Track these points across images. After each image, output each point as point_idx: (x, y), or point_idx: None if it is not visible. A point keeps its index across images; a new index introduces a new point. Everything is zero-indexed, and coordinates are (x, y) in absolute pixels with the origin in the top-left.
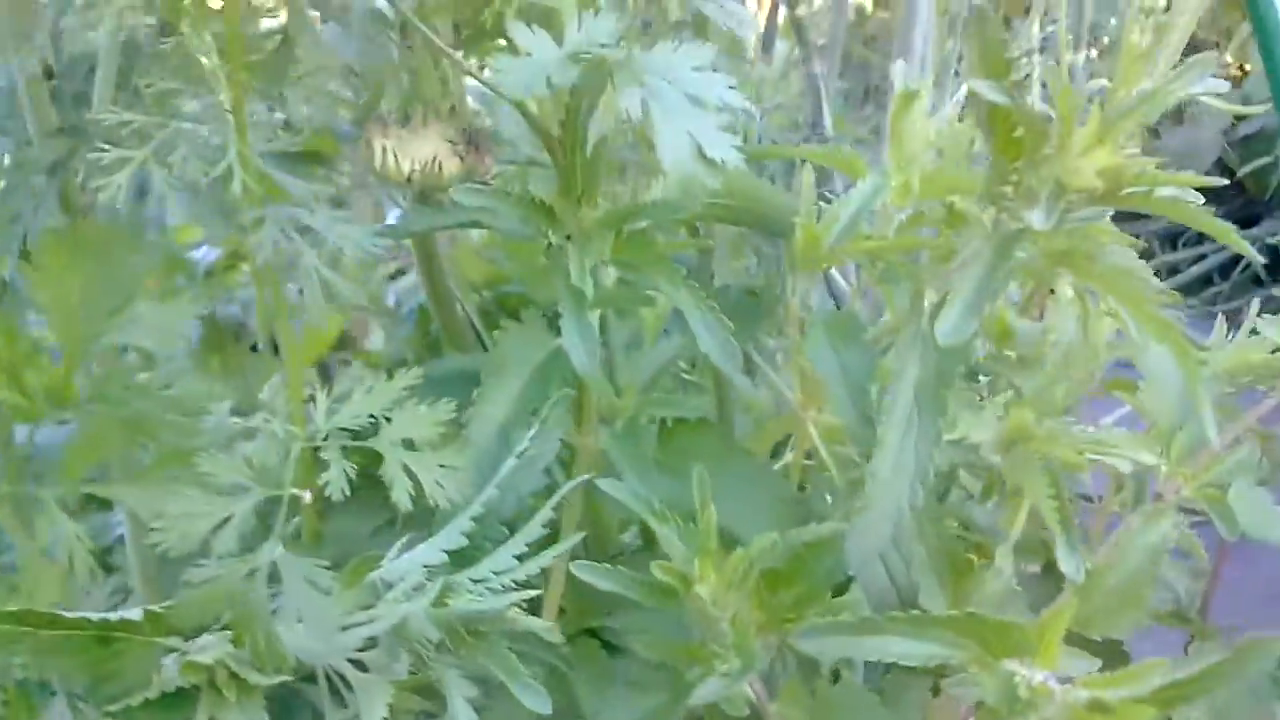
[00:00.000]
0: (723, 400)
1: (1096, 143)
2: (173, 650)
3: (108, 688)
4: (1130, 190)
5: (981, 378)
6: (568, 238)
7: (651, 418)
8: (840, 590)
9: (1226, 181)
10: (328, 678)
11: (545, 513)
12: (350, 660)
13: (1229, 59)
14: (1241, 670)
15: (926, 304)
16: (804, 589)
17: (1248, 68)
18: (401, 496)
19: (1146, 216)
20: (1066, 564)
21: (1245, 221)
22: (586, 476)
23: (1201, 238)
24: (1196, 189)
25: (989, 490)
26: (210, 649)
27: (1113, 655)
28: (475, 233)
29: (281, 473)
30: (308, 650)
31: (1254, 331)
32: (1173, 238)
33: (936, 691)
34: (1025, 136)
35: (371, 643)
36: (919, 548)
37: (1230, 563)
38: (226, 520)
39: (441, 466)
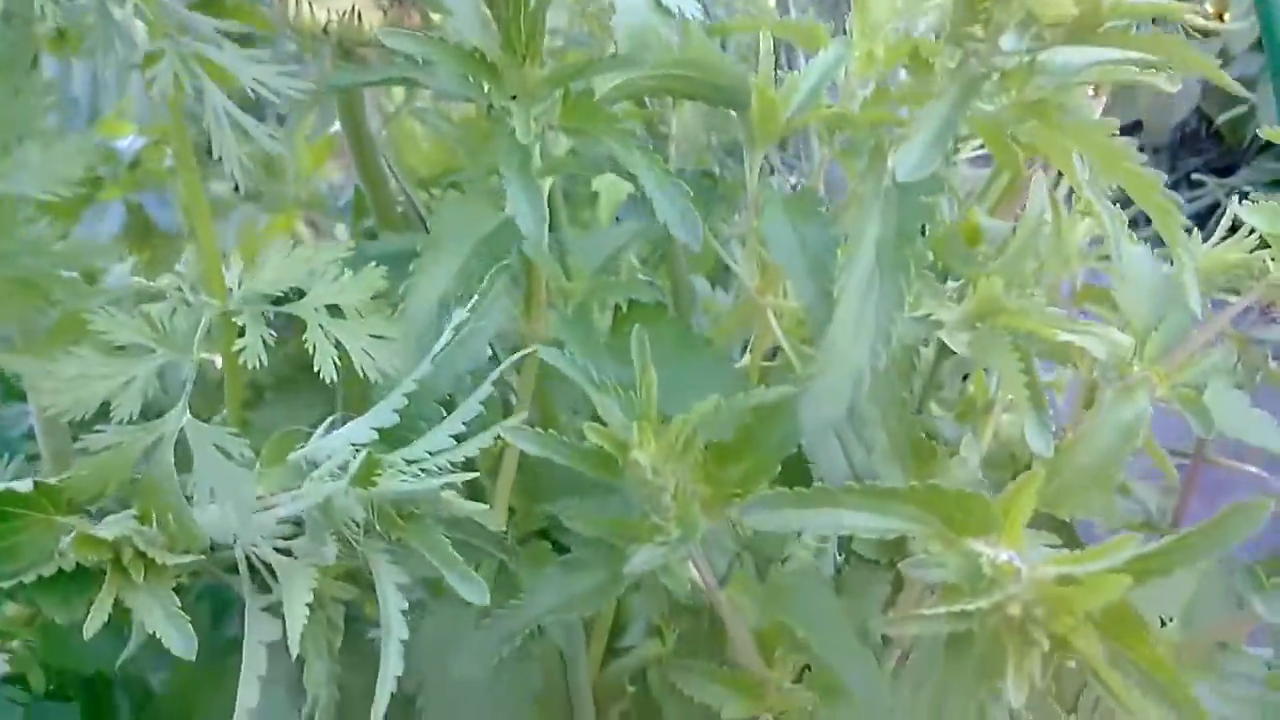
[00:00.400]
0: (679, 293)
1: None
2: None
3: (3, 568)
4: (1109, 25)
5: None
6: (512, 97)
7: (604, 303)
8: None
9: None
10: (250, 566)
11: (484, 389)
12: (276, 549)
13: (1209, 8)
14: (1223, 538)
15: (889, 162)
16: (752, 463)
17: (1226, 17)
18: (326, 366)
19: None
20: (1036, 440)
21: (1222, 170)
22: (529, 349)
23: (1175, 185)
24: None
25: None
26: (114, 526)
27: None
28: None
29: (190, 338)
30: (222, 529)
31: (1231, 232)
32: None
33: (897, 589)
34: None
35: (297, 528)
36: (880, 434)
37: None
38: (128, 384)
39: (372, 337)
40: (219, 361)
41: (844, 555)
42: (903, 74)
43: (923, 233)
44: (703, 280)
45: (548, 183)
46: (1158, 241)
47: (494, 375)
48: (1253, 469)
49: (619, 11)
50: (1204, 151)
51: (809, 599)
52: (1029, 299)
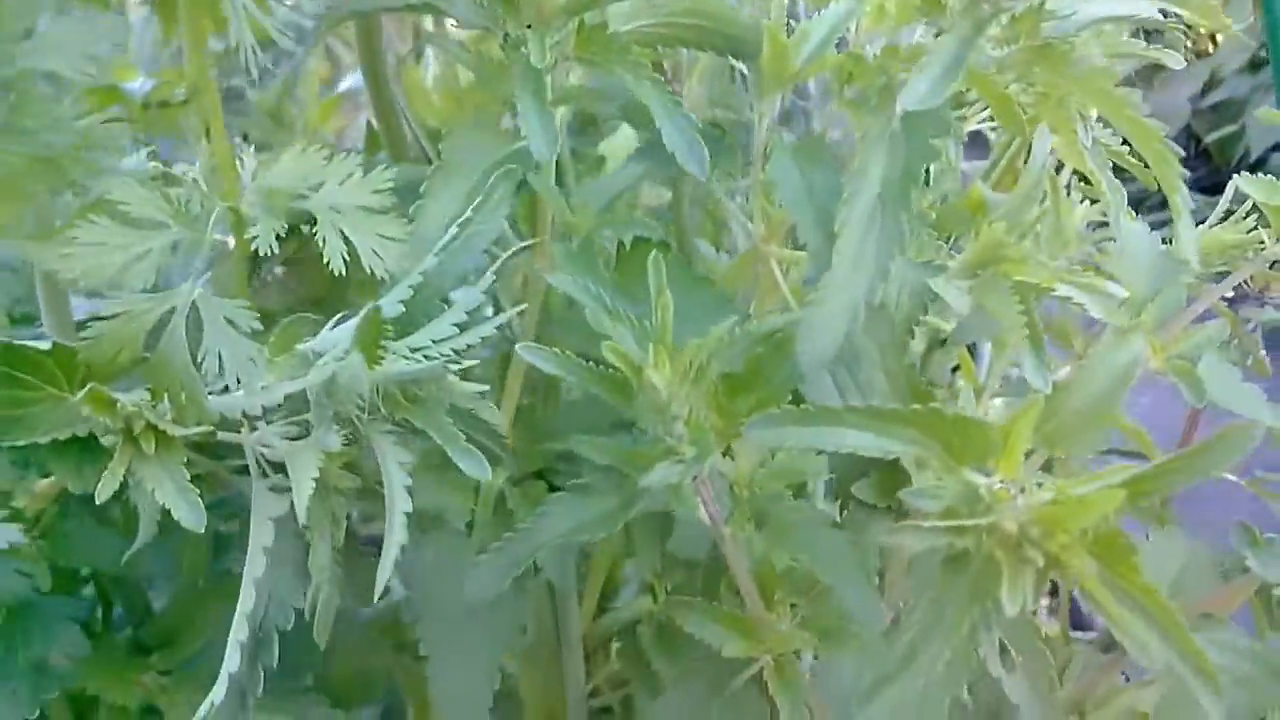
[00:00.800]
0: (683, 242)
1: None
2: None
3: (16, 431)
4: None
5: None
6: (528, 26)
7: (606, 242)
8: None
9: None
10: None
11: (487, 278)
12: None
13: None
14: (1216, 460)
15: (898, 104)
16: (761, 394)
17: (1219, 39)
18: (335, 260)
19: None
20: (1035, 377)
21: (1210, 189)
22: (527, 243)
23: (1163, 203)
24: None
25: None
26: (126, 399)
27: None
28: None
29: (205, 221)
30: (229, 406)
31: (1228, 215)
32: (1135, 204)
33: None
34: None
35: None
36: (878, 374)
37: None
38: (143, 256)
39: (381, 237)
40: (232, 243)
41: (840, 500)
42: (911, 34)
43: (927, 175)
44: (705, 244)
45: (559, 113)
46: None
47: (498, 264)
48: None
49: None
50: (1193, 170)
51: (812, 533)
52: (1030, 247)
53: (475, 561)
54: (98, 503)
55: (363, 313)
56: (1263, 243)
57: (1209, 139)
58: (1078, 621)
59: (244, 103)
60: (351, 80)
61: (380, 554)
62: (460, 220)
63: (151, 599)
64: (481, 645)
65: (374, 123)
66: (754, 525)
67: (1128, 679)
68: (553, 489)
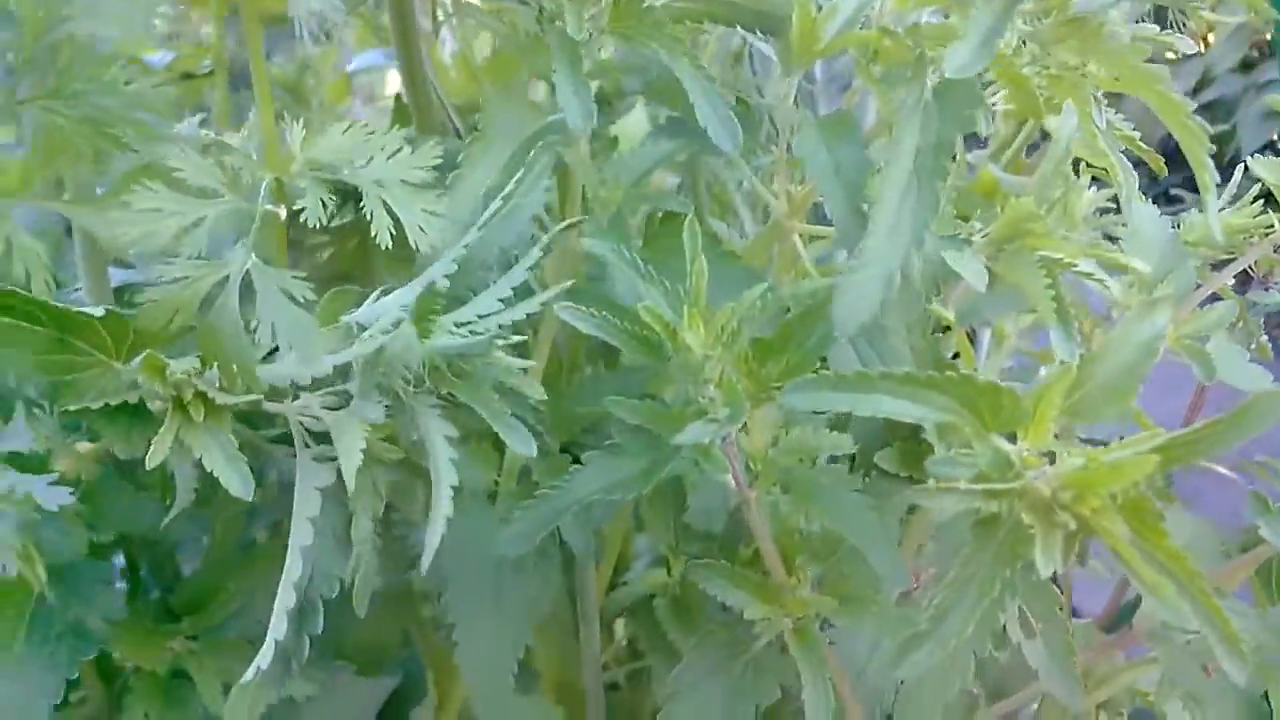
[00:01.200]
0: (700, 216)
1: None
2: None
3: (68, 395)
4: None
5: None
6: None
7: (637, 212)
8: None
9: None
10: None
11: (533, 254)
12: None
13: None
14: (1245, 428)
15: (929, 76)
16: (793, 359)
17: (1211, 38)
18: (383, 234)
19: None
20: (1063, 349)
21: None
22: (569, 221)
23: (1155, 200)
24: None
25: None
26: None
27: None
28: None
29: (253, 195)
30: (279, 375)
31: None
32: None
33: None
34: None
35: (339, 388)
36: (904, 347)
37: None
38: (198, 223)
39: (426, 212)
40: (284, 213)
41: (864, 471)
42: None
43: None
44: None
45: (593, 86)
46: None
47: (544, 241)
48: (1222, 470)
49: None
50: (1184, 168)
51: (840, 496)
52: (1055, 222)
53: (509, 518)
54: (145, 468)
55: (416, 284)
56: (1271, 226)
57: None
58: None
59: None
60: (358, 61)
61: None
62: (503, 194)
63: (180, 564)
64: (508, 614)
65: (404, 96)
66: (780, 489)
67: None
68: (576, 463)
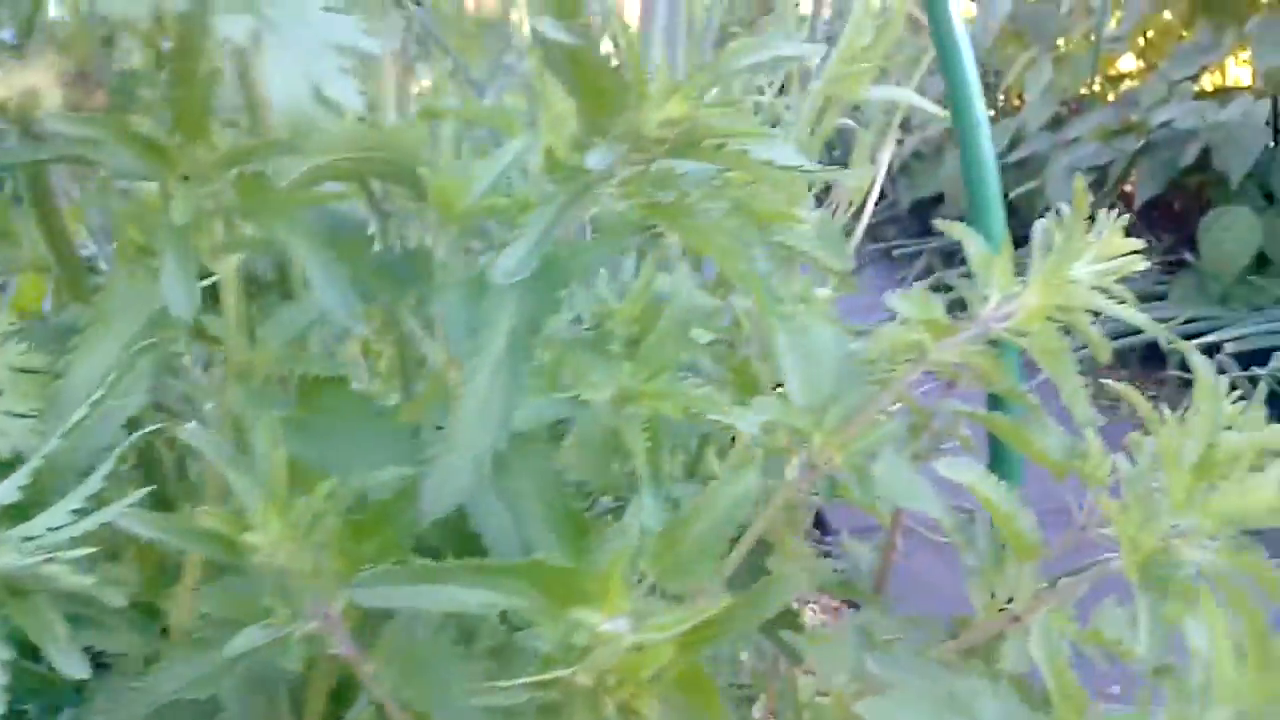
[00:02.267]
0: (405, 365)
1: (671, 96)
2: None
3: None
4: (710, 142)
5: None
6: (185, 178)
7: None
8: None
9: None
10: None
11: (107, 466)
12: None
13: (1007, 88)
14: (757, 611)
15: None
16: (385, 538)
17: (1026, 97)
18: None
19: (935, 234)
20: (649, 517)
21: (1017, 242)
22: (153, 427)
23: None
24: None
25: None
26: None
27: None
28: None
29: None
30: None
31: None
32: (950, 254)
33: None
34: (606, 88)
35: None
36: (536, 505)
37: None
38: None
39: (7, 414)
40: None
41: None
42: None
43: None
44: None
45: (233, 260)
46: None
47: (118, 451)
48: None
49: (274, 97)
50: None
51: (441, 673)
52: (668, 382)
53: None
54: None
55: None
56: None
57: (1014, 194)
58: None
59: None
60: None
61: None
62: (92, 399)
63: None
64: None
65: (45, 255)
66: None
67: None
68: None
